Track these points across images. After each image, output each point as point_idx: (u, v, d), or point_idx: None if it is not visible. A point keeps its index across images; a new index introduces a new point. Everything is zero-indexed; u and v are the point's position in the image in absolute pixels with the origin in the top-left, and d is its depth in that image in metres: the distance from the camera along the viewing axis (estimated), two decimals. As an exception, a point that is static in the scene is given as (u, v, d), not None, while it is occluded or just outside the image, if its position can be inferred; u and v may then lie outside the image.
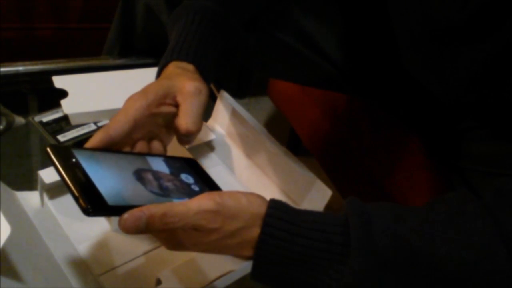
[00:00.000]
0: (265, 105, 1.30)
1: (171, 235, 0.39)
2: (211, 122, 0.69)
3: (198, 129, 0.46)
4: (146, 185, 0.42)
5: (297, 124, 0.89)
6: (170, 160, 0.49)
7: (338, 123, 0.77)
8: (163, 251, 0.53)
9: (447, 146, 0.60)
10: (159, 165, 0.46)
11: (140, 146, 0.46)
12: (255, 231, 0.38)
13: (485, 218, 0.38)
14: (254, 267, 0.39)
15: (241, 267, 0.50)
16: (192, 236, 0.39)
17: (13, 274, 0.40)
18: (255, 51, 0.65)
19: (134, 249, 0.52)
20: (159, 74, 0.50)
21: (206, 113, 0.72)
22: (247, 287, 0.51)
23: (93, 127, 0.67)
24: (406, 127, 0.70)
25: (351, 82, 0.68)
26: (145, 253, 0.52)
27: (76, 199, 0.36)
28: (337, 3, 0.63)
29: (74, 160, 0.39)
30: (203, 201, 0.38)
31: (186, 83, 0.46)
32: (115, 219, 0.53)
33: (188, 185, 0.47)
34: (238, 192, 0.40)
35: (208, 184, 0.50)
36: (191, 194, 0.45)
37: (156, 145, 0.48)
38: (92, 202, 0.36)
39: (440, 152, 0.63)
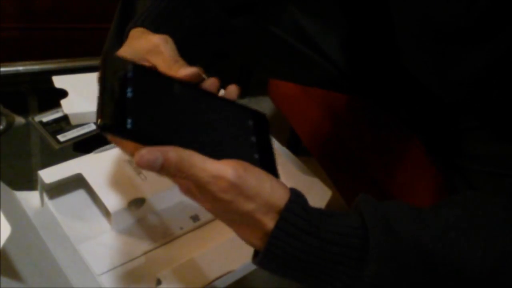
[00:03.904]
0: (265, 105, 1.29)
1: (185, 182, 0.37)
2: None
3: (194, 68, 0.42)
4: (189, 125, 0.38)
5: (297, 124, 0.89)
6: (239, 110, 0.42)
7: (338, 123, 0.77)
8: (163, 251, 0.53)
9: (448, 146, 0.60)
10: (220, 111, 0.41)
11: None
12: (267, 223, 0.36)
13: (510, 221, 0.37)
14: (262, 259, 0.37)
15: (241, 267, 0.50)
16: (203, 193, 0.36)
17: (13, 274, 0.40)
18: (255, 49, 0.65)
19: (134, 249, 0.52)
20: (122, 42, 0.48)
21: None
22: (247, 287, 0.51)
23: (93, 127, 0.67)
24: (406, 127, 0.70)
25: (352, 82, 0.68)
26: (145, 253, 0.52)
27: (96, 111, 0.34)
28: (337, 3, 0.63)
29: (124, 74, 0.37)
30: (225, 167, 0.35)
31: (149, 39, 0.44)
32: (115, 219, 0.53)
33: (240, 145, 0.40)
34: (266, 175, 0.37)
35: (263, 155, 0.40)
36: (238, 155, 0.38)
37: None
38: (111, 119, 0.34)
39: (441, 152, 0.63)
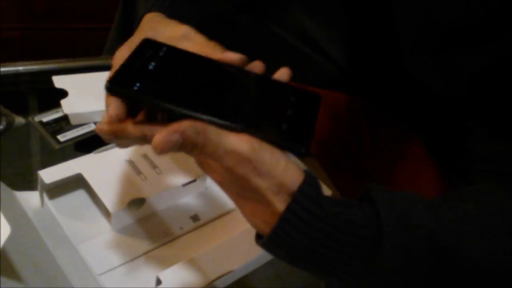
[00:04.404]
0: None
1: (198, 154, 0.36)
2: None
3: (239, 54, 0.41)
4: (215, 97, 0.37)
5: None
6: (284, 88, 0.41)
7: (338, 123, 0.77)
8: (163, 251, 0.53)
9: (448, 145, 0.60)
10: (260, 87, 0.40)
11: None
12: (277, 203, 0.34)
13: None
14: (268, 241, 0.36)
15: (241, 267, 0.50)
16: (216, 165, 0.35)
17: (13, 274, 0.40)
18: (255, 48, 0.65)
19: (134, 249, 0.52)
20: (137, 25, 0.48)
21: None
22: (247, 287, 0.51)
23: (93, 127, 0.67)
24: (407, 127, 0.70)
25: (352, 81, 0.68)
26: (145, 253, 0.52)
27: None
28: (338, 2, 0.63)
29: (155, 52, 0.38)
30: (239, 142, 0.33)
31: (176, 26, 0.44)
32: (115, 219, 0.53)
33: (271, 115, 0.38)
34: (282, 154, 0.35)
35: (295, 128, 0.37)
36: (263, 122, 0.36)
37: None
38: (118, 79, 0.36)
39: (441, 151, 0.63)
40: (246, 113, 0.36)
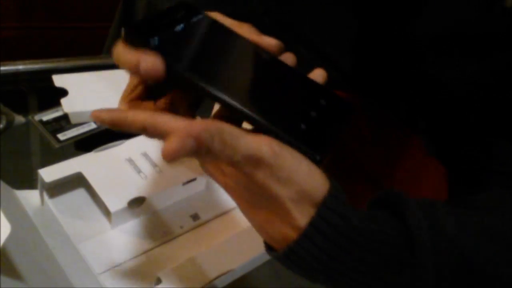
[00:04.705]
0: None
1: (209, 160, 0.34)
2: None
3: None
4: (239, 79, 0.34)
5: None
6: (316, 88, 0.37)
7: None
8: (163, 250, 0.53)
9: (448, 144, 0.59)
10: (290, 81, 0.36)
11: None
12: (297, 215, 0.31)
13: None
14: (285, 256, 0.32)
15: (241, 267, 0.50)
16: (230, 171, 0.32)
17: (13, 273, 0.40)
18: None
19: (134, 248, 0.52)
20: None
21: (206, 111, 0.72)
22: (247, 287, 0.51)
23: (93, 126, 0.67)
24: (407, 127, 0.70)
25: (352, 82, 0.68)
26: (145, 252, 0.52)
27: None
28: (340, 3, 0.62)
29: (188, 16, 0.35)
30: (258, 145, 0.30)
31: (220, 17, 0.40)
32: (115, 218, 0.53)
33: (292, 112, 0.34)
34: (304, 157, 0.31)
35: (315, 132, 0.33)
36: (283, 117, 0.33)
37: None
38: (139, 28, 0.32)
39: (442, 151, 0.63)
40: (266, 104, 0.33)
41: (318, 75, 0.37)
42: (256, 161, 0.30)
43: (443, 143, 0.63)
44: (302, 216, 0.31)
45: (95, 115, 0.34)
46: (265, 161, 0.30)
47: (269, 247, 0.34)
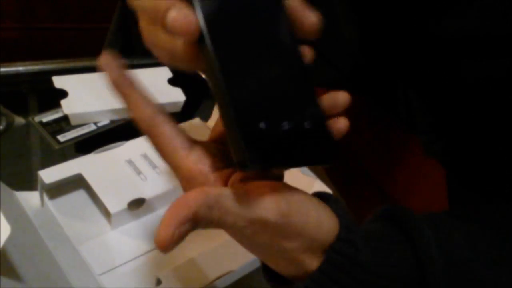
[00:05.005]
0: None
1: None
2: (211, 122, 0.69)
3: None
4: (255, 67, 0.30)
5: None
6: None
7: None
8: (163, 251, 0.53)
9: (449, 144, 0.59)
10: None
11: None
12: (306, 260, 0.31)
13: None
14: None
15: (241, 267, 0.50)
16: (234, 233, 0.31)
17: (13, 274, 0.40)
18: None
19: (134, 249, 0.52)
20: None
21: (206, 113, 0.72)
22: (247, 287, 0.51)
23: (93, 127, 0.67)
24: (407, 127, 0.70)
25: (352, 82, 0.68)
26: (145, 253, 0.52)
27: None
28: (342, 3, 0.62)
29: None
30: (264, 210, 0.28)
31: None
32: (115, 219, 0.53)
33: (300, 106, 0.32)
34: (312, 203, 0.31)
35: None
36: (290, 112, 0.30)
37: None
38: None
39: (442, 151, 0.63)
40: (250, 92, 0.29)
41: (340, 96, 0.36)
42: (262, 224, 0.29)
43: (455, 146, 0.62)
44: (312, 261, 0.31)
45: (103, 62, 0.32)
46: (272, 223, 0.29)
47: (267, 272, 0.35)
